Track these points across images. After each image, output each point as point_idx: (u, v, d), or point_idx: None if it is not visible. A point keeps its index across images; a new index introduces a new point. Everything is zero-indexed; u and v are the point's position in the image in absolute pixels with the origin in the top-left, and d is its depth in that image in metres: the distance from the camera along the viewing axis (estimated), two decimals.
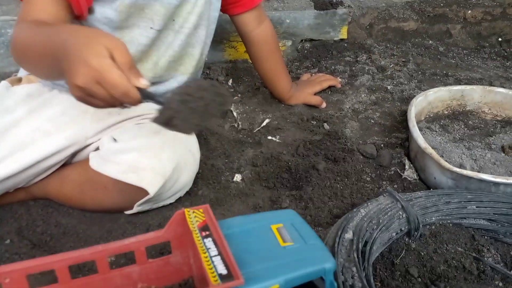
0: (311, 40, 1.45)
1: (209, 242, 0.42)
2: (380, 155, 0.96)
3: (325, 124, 1.06)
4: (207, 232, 0.43)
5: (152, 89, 0.89)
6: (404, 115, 1.12)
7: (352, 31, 1.49)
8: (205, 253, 0.40)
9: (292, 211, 0.51)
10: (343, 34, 1.46)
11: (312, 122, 1.08)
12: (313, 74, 1.29)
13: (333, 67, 1.34)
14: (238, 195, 0.88)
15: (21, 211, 0.84)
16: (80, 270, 0.66)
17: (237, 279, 0.36)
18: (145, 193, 0.74)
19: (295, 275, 0.40)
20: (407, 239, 0.74)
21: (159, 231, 0.48)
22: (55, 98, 0.83)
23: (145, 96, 0.58)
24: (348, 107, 1.15)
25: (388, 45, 1.50)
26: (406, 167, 0.92)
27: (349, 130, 1.05)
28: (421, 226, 0.74)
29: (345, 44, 1.46)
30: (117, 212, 0.81)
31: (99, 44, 0.55)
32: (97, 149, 0.82)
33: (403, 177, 0.91)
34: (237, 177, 0.93)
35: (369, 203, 0.75)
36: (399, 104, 1.18)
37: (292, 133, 1.05)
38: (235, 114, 1.15)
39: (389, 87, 1.24)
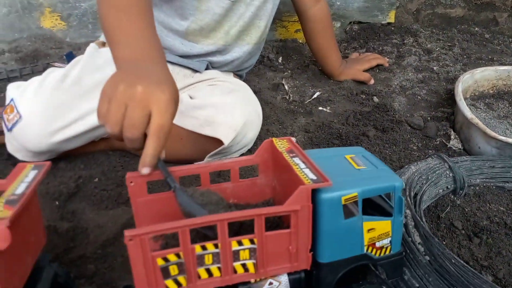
0: (359, 22, 1.51)
1: (297, 159, 0.50)
2: (427, 127, 1.02)
3: (375, 97, 1.13)
4: (294, 154, 0.52)
5: (221, 59, 0.99)
6: (449, 93, 1.17)
7: (399, 16, 1.55)
8: (295, 165, 0.49)
9: (361, 147, 0.59)
10: (390, 18, 1.52)
11: (361, 96, 1.16)
12: (361, 54, 1.35)
13: (380, 48, 1.40)
14: None
15: (102, 159, 0.96)
16: (184, 184, 0.75)
17: (327, 181, 0.45)
18: (218, 144, 0.84)
19: (370, 188, 0.48)
20: (452, 196, 0.81)
21: (250, 156, 0.57)
22: None
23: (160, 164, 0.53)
24: (396, 84, 1.21)
25: (434, 30, 1.55)
26: (452, 137, 0.98)
27: (397, 104, 1.12)
28: (466, 185, 0.81)
29: (392, 28, 1.52)
30: (188, 162, 0.91)
31: (177, 92, 0.56)
32: None
33: (448, 146, 0.97)
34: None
35: (418, 162, 0.82)
36: (444, 83, 1.23)
37: (342, 105, 1.12)
38: (286, 87, 1.24)
39: (435, 68, 1.30)
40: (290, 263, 0.48)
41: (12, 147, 0.85)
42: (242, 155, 0.95)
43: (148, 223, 0.56)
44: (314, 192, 0.47)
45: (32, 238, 0.50)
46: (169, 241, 0.50)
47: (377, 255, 0.52)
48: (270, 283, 0.50)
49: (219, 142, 0.83)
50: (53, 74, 0.87)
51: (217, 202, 0.48)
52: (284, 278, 0.50)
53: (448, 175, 0.81)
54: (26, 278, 0.48)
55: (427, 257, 0.60)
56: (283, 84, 1.24)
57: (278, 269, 0.48)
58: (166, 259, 0.44)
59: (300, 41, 1.49)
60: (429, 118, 1.07)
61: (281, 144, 0.55)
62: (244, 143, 0.88)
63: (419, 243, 0.63)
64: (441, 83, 1.23)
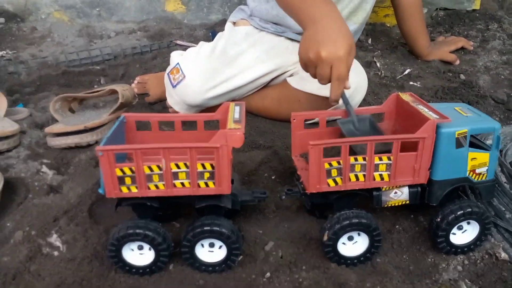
0: (445, 9, 1.64)
1: (420, 106, 0.70)
2: (509, 101, 1.16)
3: (461, 75, 1.28)
4: (417, 103, 0.72)
5: None
6: None
7: (484, 3, 1.65)
8: (421, 109, 0.68)
9: (465, 104, 0.77)
10: (476, 5, 1.63)
11: (448, 73, 1.31)
12: (446, 37, 1.49)
13: (465, 32, 1.53)
14: None
15: None
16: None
17: (447, 118, 0.64)
18: (330, 105, 1.04)
19: (477, 127, 0.66)
20: None
21: (379, 106, 0.78)
22: (264, 37, 1.16)
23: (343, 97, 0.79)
24: (480, 64, 1.35)
25: None
26: None
27: (482, 81, 1.26)
28: None
29: (477, 14, 1.63)
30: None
31: (351, 43, 0.76)
32: (291, 75, 1.14)
33: None
34: None
35: (504, 126, 0.98)
36: None
37: (432, 81, 1.28)
38: (378, 64, 1.41)
39: None
40: (413, 177, 0.68)
41: (172, 100, 1.11)
42: None
43: (301, 150, 0.79)
44: (436, 127, 0.66)
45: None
46: None
47: (476, 179, 0.70)
48: (395, 192, 0.70)
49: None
50: (204, 46, 1.12)
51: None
52: (406, 190, 0.70)
53: None
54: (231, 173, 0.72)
55: None
56: (375, 62, 1.42)
57: (404, 180, 0.68)
58: (330, 164, 0.66)
59: (388, 25, 1.65)
60: (511, 94, 1.20)
61: (405, 96, 0.75)
62: (353, 104, 1.08)
63: (505, 182, 0.80)
64: None
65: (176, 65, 1.08)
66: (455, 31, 1.55)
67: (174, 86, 1.07)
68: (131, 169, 0.66)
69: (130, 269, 0.72)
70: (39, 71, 1.41)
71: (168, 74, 1.10)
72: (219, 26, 1.67)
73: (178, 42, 1.64)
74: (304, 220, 0.83)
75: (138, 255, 0.71)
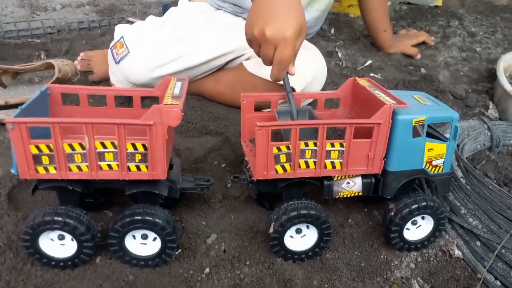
0: (409, 3, 1.62)
1: (378, 91, 0.65)
2: (468, 97, 1.15)
3: (422, 69, 1.26)
4: (374, 88, 0.66)
5: None
6: (489, 71, 1.29)
7: (447, 0, 1.65)
8: (378, 94, 0.63)
9: (424, 92, 0.73)
10: (438, 1, 1.62)
11: (409, 67, 1.28)
12: (409, 30, 1.47)
13: (427, 28, 1.51)
14: None
15: None
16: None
17: (404, 104, 0.59)
18: None
19: (435, 115, 0.62)
20: (488, 152, 0.94)
21: (335, 91, 0.72)
22: (220, 16, 1.08)
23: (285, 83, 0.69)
24: (441, 59, 1.33)
25: (478, 17, 1.65)
26: (490, 107, 1.11)
27: (441, 76, 1.24)
28: (501, 144, 0.94)
29: (439, 11, 1.62)
30: (258, 109, 1.06)
31: (302, 24, 0.65)
32: (248, 59, 1.07)
33: (486, 115, 1.10)
34: None
35: (461, 121, 0.96)
36: (485, 64, 1.34)
37: (392, 73, 1.25)
38: (339, 55, 1.37)
39: (477, 49, 1.41)
40: (366, 167, 0.63)
41: (115, 78, 1.01)
42: None
43: (250, 135, 0.72)
44: (392, 114, 0.61)
45: (172, 134, 0.66)
46: None
47: (432, 171, 0.66)
48: (348, 182, 0.65)
49: None
50: (153, 20, 1.02)
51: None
52: (359, 180, 0.65)
53: (486, 134, 0.94)
54: (170, 158, 0.64)
55: (468, 187, 0.74)
56: (337, 52, 1.37)
57: (357, 170, 0.63)
58: (279, 149, 0.59)
59: (352, 16, 1.61)
60: (470, 90, 1.19)
61: (362, 81, 0.69)
62: None
63: (461, 177, 0.77)
64: (482, 63, 1.35)
65: (120, 38, 0.98)
66: (417, 25, 1.54)
67: (117, 62, 0.97)
68: (48, 147, 0.56)
69: (49, 261, 0.62)
70: None
71: (111, 48, 0.99)
72: (174, 4, 1.57)
73: (130, 19, 1.52)
74: (252, 211, 0.77)
75: (59, 246, 0.62)
